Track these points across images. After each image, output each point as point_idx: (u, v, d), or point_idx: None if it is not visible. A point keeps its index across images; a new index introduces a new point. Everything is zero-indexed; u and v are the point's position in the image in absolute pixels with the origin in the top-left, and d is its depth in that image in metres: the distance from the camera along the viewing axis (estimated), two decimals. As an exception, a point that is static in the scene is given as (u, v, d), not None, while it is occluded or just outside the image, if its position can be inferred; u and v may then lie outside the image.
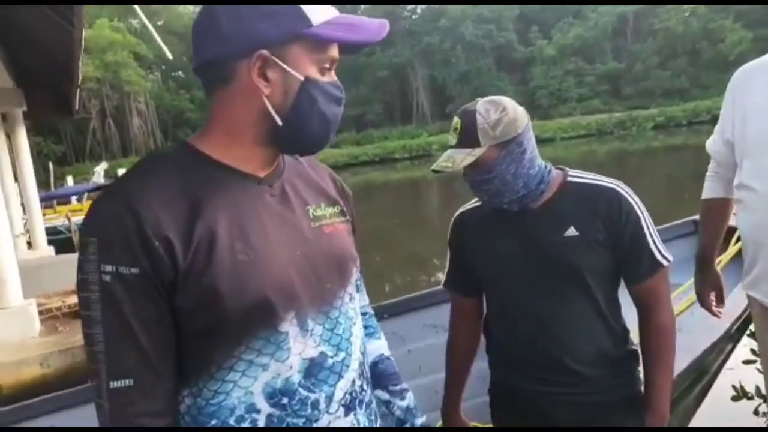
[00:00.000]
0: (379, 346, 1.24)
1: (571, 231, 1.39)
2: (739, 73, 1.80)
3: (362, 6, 53.04)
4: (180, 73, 56.62)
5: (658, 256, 1.42)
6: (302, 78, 0.87)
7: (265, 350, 0.87)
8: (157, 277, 0.80)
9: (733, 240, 2.89)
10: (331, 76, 0.93)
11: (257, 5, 0.86)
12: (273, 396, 0.88)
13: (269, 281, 0.87)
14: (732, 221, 1.93)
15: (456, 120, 1.41)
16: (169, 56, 7.41)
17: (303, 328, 0.91)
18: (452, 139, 1.41)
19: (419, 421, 1.20)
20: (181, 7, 52.05)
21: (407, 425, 1.19)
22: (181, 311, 0.83)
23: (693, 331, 2.43)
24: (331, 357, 0.94)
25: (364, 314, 1.21)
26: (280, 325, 0.88)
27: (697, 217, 3.63)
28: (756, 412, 2.67)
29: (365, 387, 1.02)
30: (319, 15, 0.87)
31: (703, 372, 2.63)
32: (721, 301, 2.02)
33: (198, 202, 0.85)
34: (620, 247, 1.41)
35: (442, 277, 1.68)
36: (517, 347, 1.50)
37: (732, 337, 2.65)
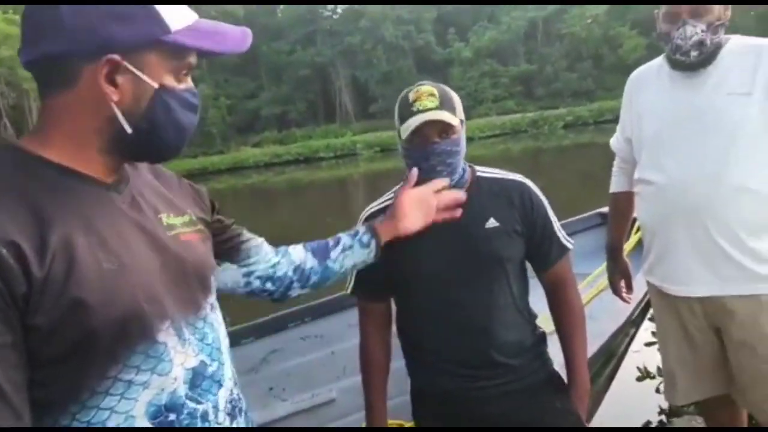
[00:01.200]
0: (293, 247, 1.28)
1: (492, 222, 1.45)
2: (633, 76, 1.94)
3: (281, 6, 52.24)
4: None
5: (564, 241, 1.55)
6: (156, 86, 0.84)
7: (145, 365, 0.81)
8: (6, 291, 0.69)
9: (634, 230, 3.11)
10: (188, 83, 0.90)
11: (109, 5, 0.79)
12: (158, 415, 0.82)
13: (139, 290, 0.81)
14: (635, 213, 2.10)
15: (427, 88, 1.39)
16: None
17: (181, 337, 0.86)
18: (429, 103, 1.37)
19: (362, 228, 1.34)
20: None
21: (363, 237, 1.31)
22: (38, 332, 0.72)
23: (601, 317, 2.61)
24: (208, 365, 0.91)
25: (274, 265, 1.23)
26: (157, 335, 0.82)
27: (603, 209, 3.90)
28: (657, 390, 2.90)
29: (240, 395, 1.01)
30: (178, 21, 0.83)
31: (611, 355, 2.82)
32: (629, 287, 2.18)
33: (45, 209, 0.76)
34: (534, 235, 1.50)
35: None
36: (443, 348, 1.48)
37: (635, 322, 2.86)
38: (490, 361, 1.47)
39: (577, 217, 3.90)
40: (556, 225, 1.55)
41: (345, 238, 1.32)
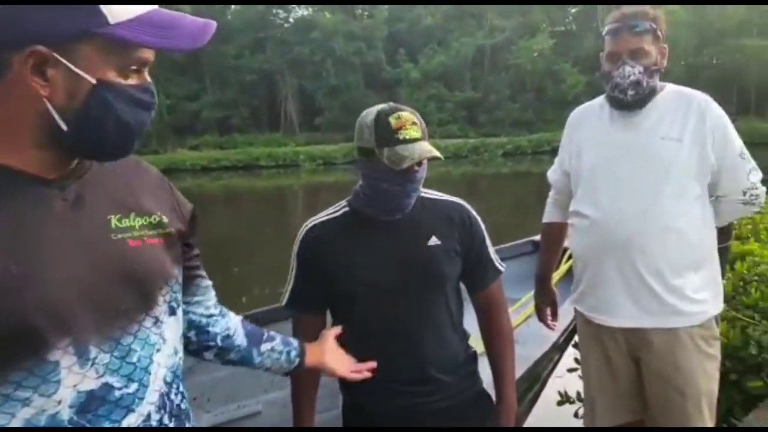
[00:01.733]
0: (233, 316, 1.22)
1: (434, 240, 1.49)
2: (575, 112, 2.05)
3: (234, 6, 51.45)
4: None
5: (497, 264, 1.62)
6: (94, 81, 0.78)
7: (27, 383, 0.75)
8: None
9: (564, 259, 3.22)
10: (140, 78, 0.83)
11: None
12: None
13: (37, 302, 0.75)
14: (566, 243, 2.18)
15: (408, 116, 1.39)
16: None
17: (82, 357, 0.80)
18: (414, 132, 1.37)
19: (295, 342, 1.30)
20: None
21: (292, 350, 1.27)
22: None
23: (528, 343, 2.68)
24: (119, 389, 0.84)
25: (210, 316, 1.16)
26: (48, 353, 0.76)
27: (535, 237, 4.03)
28: (576, 415, 2.99)
29: (166, 420, 0.93)
30: (120, 12, 0.78)
31: (535, 380, 2.90)
32: (555, 316, 2.26)
33: None
34: (470, 256, 1.56)
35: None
36: (378, 362, 1.46)
37: (560, 348, 2.96)
38: (424, 377, 1.49)
39: (510, 244, 4.01)
40: (491, 248, 1.62)
41: (278, 341, 1.27)
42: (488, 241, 1.61)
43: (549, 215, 2.19)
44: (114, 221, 0.88)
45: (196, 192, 26.79)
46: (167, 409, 0.94)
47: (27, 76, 0.75)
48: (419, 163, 1.40)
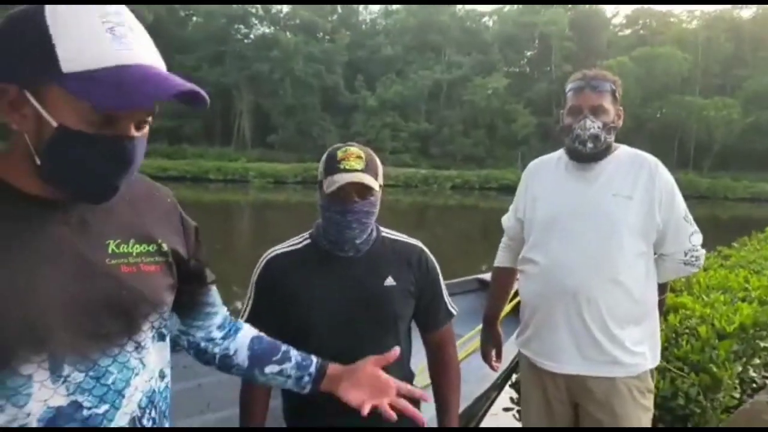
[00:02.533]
0: (244, 334, 1.20)
1: (390, 281, 1.53)
2: (532, 164, 2.12)
3: (195, 18, 50.81)
4: None
5: (450, 307, 1.66)
6: (55, 124, 0.78)
7: (0, 392, 0.78)
8: None
9: (508, 300, 3.26)
10: (119, 129, 0.81)
11: (13, 37, 0.77)
12: None
13: (15, 318, 0.77)
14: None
15: (355, 150, 1.45)
16: None
17: (55, 373, 0.81)
18: (356, 164, 1.42)
19: (313, 366, 1.21)
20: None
21: (305, 376, 1.19)
22: None
23: (468, 380, 2.67)
24: (88, 408, 0.85)
25: (210, 340, 1.17)
26: (21, 367, 0.78)
27: (481, 276, 4.09)
28: (510, 454, 3.00)
29: None
30: (82, 62, 0.75)
31: (472, 417, 2.90)
32: (499, 356, 2.29)
33: None
34: (424, 297, 1.59)
35: (240, 306, 1.62)
36: (326, 396, 1.47)
37: (498, 386, 2.97)
38: (372, 415, 1.47)
39: (456, 280, 4.04)
40: (445, 291, 1.66)
41: (292, 364, 1.20)
42: (443, 284, 1.66)
43: (500, 260, 2.24)
44: (112, 246, 0.90)
45: (139, 201, 25.86)
46: None
47: (6, 112, 0.80)
48: (360, 195, 1.44)
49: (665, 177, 1.86)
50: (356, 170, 1.43)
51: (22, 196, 0.83)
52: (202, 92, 0.83)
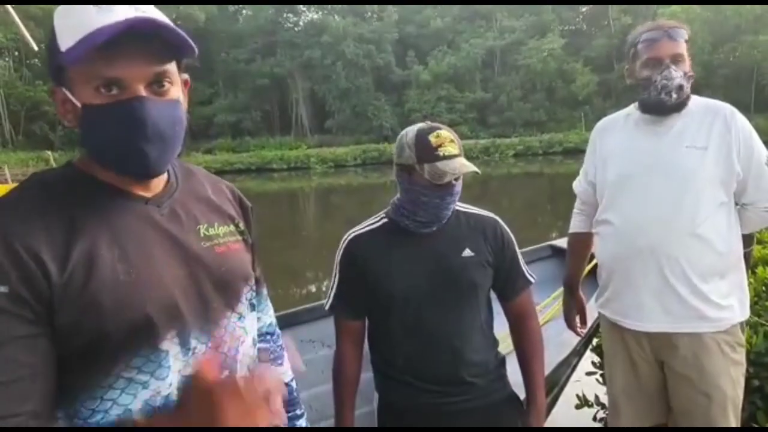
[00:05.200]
0: (281, 372, 1.24)
1: (467, 252, 1.58)
2: (599, 124, 2.08)
3: (245, 11, 51.77)
4: (36, 61, 50.95)
5: (527, 275, 1.70)
6: (79, 104, 0.87)
7: (145, 368, 0.88)
8: (30, 295, 0.79)
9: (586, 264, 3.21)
10: (121, 93, 0.85)
11: (48, 42, 0.88)
12: (151, 415, 0.88)
13: (151, 300, 0.88)
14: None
15: (446, 134, 1.49)
16: (34, 47, 6.50)
17: (185, 346, 0.92)
18: (452, 149, 1.47)
19: None
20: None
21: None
22: (61, 329, 0.82)
23: (548, 347, 2.66)
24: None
25: (270, 335, 1.23)
26: (160, 343, 0.89)
27: (554, 242, 4.04)
28: (594, 418, 2.99)
29: None
30: (68, 38, 0.83)
31: (554, 384, 2.89)
32: (584, 322, 2.29)
33: (77, 223, 0.85)
34: (502, 267, 1.64)
35: (314, 289, 1.70)
36: (414, 365, 1.58)
37: (578, 352, 2.95)
38: (458, 380, 1.58)
39: (528, 248, 4.00)
40: (522, 260, 1.69)
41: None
42: (519, 254, 1.69)
43: (575, 225, 2.21)
44: (202, 231, 1.00)
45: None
46: None
47: (60, 113, 0.90)
48: (457, 178, 1.49)
49: (741, 123, 1.80)
50: (456, 155, 1.47)
51: (126, 194, 0.93)
52: (144, 17, 0.84)
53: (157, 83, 0.88)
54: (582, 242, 2.20)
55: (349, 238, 1.64)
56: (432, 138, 1.47)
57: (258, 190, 27.73)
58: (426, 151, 1.47)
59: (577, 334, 2.31)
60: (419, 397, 1.58)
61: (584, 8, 53.41)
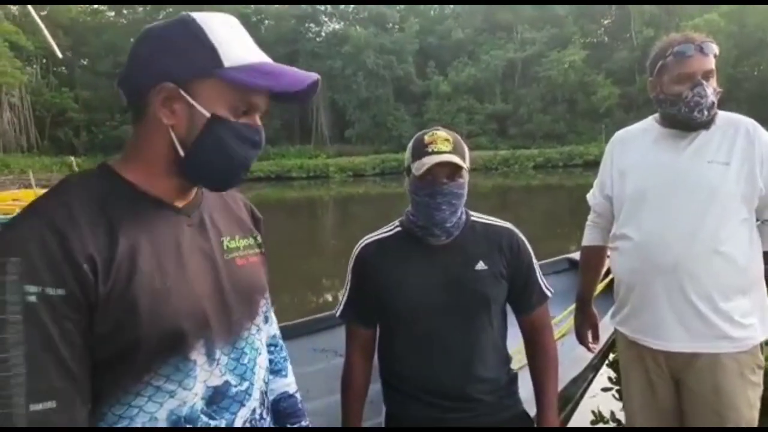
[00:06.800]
0: (285, 384, 1.25)
1: (481, 265, 1.54)
2: (617, 136, 2.04)
3: (267, 21, 52.41)
4: (63, 69, 52.21)
5: (544, 289, 1.64)
6: (209, 115, 0.89)
7: (174, 377, 0.89)
8: (83, 298, 0.80)
9: (600, 279, 3.18)
10: (250, 119, 0.94)
11: (174, 40, 0.90)
12: (177, 424, 0.90)
13: (184, 310, 0.89)
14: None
15: (442, 134, 1.48)
16: (59, 54, 6.74)
17: (210, 357, 0.94)
18: (443, 147, 1.46)
19: None
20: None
21: None
22: (97, 335, 0.82)
23: (563, 362, 2.63)
24: (235, 386, 0.98)
25: (274, 346, 1.24)
26: (190, 353, 0.90)
27: (571, 255, 3.99)
28: (611, 435, 2.94)
29: (264, 415, 1.06)
30: (236, 58, 0.89)
31: (569, 399, 2.86)
32: (596, 338, 2.24)
33: (118, 228, 0.86)
34: (518, 280, 1.59)
35: (330, 298, 1.70)
36: (423, 379, 1.54)
37: (594, 367, 2.91)
38: (466, 396, 1.53)
39: (545, 261, 3.96)
40: (539, 272, 1.64)
41: None
42: (536, 266, 1.64)
43: (589, 239, 2.17)
44: (225, 243, 1.03)
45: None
46: (265, 405, 1.07)
47: (158, 108, 0.89)
48: (449, 177, 1.46)
49: (765, 139, 1.76)
50: (444, 152, 1.45)
51: (160, 203, 0.94)
52: (319, 79, 0.95)
53: (262, 115, 0.98)
54: (595, 256, 2.16)
55: (362, 245, 1.62)
56: (426, 137, 1.48)
57: (277, 197, 27.96)
58: (418, 148, 1.48)
59: (589, 350, 2.27)
60: (425, 411, 1.54)
61: (606, 20, 53.08)
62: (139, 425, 0.86)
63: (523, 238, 1.64)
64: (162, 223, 0.93)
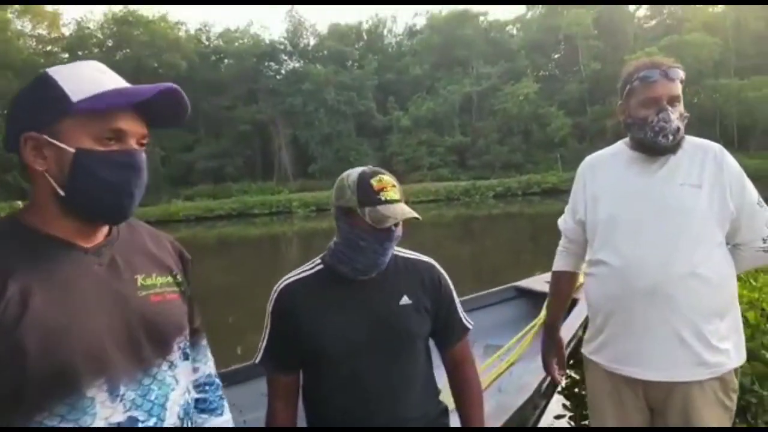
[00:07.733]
0: (221, 422, 1.24)
1: (405, 300, 1.53)
2: (588, 161, 2.04)
3: (226, 60, 52.49)
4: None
5: (465, 322, 1.65)
6: (73, 150, 0.94)
7: (70, 416, 0.89)
8: None
9: (568, 305, 3.23)
10: (121, 145, 0.98)
11: (28, 95, 0.97)
12: None
13: (79, 348, 0.90)
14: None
15: (388, 179, 1.48)
16: None
17: (113, 393, 0.94)
18: (394, 194, 1.46)
19: None
20: (20, 41, 47.38)
21: None
22: None
23: (510, 391, 2.64)
24: (143, 422, 0.97)
25: (209, 385, 1.23)
26: (86, 390, 0.91)
27: (518, 284, 4.05)
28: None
29: None
30: (85, 90, 0.95)
31: (521, 426, 2.87)
32: (562, 365, 2.20)
33: (12, 272, 0.89)
34: (440, 314, 1.59)
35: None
36: (350, 420, 1.50)
37: (545, 395, 2.94)
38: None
39: (494, 290, 3.96)
40: (459, 306, 1.66)
41: None
42: (457, 300, 1.66)
43: (559, 264, 2.14)
44: (140, 280, 1.05)
45: (190, 241, 26.74)
46: None
47: (29, 158, 0.95)
48: (397, 224, 1.47)
49: (732, 163, 1.79)
50: (398, 201, 1.45)
51: (65, 244, 0.97)
52: (178, 88, 0.99)
53: (142, 141, 1.00)
54: (566, 282, 2.13)
55: (281, 287, 1.57)
56: (374, 182, 1.45)
57: (239, 235, 27.54)
58: (368, 194, 1.44)
59: (555, 380, 2.22)
60: None
61: (556, 55, 55.17)
62: None
63: (444, 272, 1.65)
64: (66, 264, 0.95)
